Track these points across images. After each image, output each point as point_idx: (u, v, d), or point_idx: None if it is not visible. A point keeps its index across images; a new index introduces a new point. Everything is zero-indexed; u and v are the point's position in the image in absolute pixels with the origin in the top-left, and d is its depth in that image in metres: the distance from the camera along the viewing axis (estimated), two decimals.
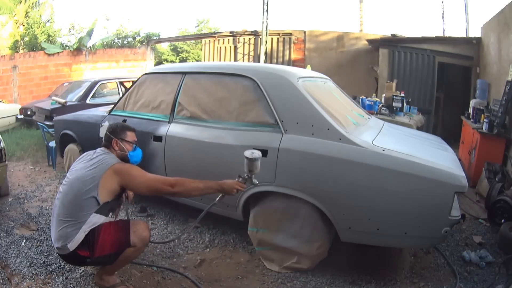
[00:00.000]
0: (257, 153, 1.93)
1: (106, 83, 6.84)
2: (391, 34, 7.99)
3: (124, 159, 2.12)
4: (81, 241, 1.88)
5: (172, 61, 18.16)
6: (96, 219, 1.90)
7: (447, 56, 7.12)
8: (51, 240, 2.68)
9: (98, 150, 2.11)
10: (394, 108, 4.84)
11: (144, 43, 11.76)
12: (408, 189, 2.04)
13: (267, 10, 8.77)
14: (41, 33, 12.77)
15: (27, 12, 12.65)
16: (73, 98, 6.44)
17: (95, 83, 6.57)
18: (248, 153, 1.92)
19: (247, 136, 2.45)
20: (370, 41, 8.07)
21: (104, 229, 1.91)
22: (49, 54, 10.24)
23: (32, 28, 12.63)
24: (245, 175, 1.98)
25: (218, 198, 2.08)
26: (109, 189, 1.93)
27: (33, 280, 2.19)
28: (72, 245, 1.88)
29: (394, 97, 4.93)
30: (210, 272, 2.40)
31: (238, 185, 1.98)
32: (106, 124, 3.21)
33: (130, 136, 2.18)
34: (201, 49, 12.06)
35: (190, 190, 1.98)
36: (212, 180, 2.01)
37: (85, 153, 2.15)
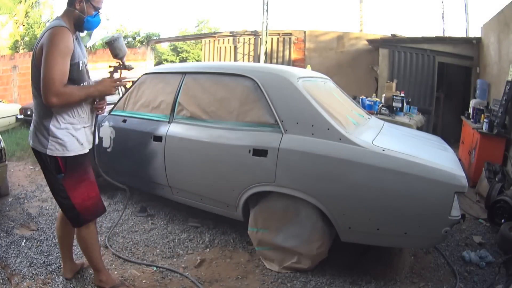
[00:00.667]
0: (116, 35, 1.88)
1: None
2: (391, 34, 8.00)
3: (79, 23, 1.86)
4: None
5: (172, 61, 18.17)
6: None
7: (447, 56, 7.12)
8: (51, 240, 2.70)
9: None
10: (394, 108, 4.85)
11: (144, 43, 11.76)
12: (408, 189, 2.04)
13: (267, 10, 8.77)
14: None
15: (27, 12, 12.66)
16: None
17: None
18: (107, 38, 1.87)
19: (247, 136, 2.45)
20: (370, 41, 8.07)
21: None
22: None
23: (32, 28, 12.64)
24: (116, 63, 1.88)
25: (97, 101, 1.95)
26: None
27: (33, 280, 2.19)
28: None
29: (394, 97, 4.94)
30: (210, 272, 2.40)
31: (112, 81, 1.91)
32: (106, 124, 3.22)
33: (97, 1, 1.88)
34: (201, 49, 12.07)
35: (71, 101, 1.77)
36: (86, 87, 1.86)
37: None
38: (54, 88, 1.67)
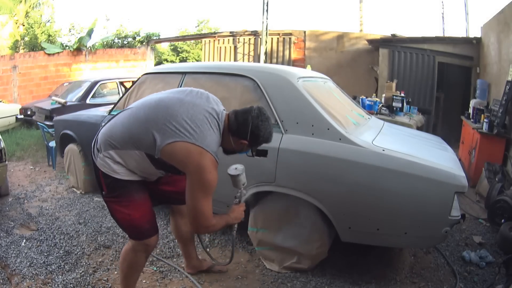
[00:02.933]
0: (240, 168, 1.82)
1: (106, 83, 6.85)
2: (391, 34, 8.00)
3: (226, 148, 1.78)
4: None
5: (172, 61, 18.16)
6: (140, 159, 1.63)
7: (447, 56, 7.12)
8: (51, 240, 2.70)
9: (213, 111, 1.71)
10: (394, 108, 4.84)
11: (144, 43, 11.76)
12: (408, 189, 2.04)
13: (267, 10, 8.77)
14: (41, 33, 12.78)
15: (27, 12, 12.66)
16: (73, 98, 6.44)
17: (95, 83, 6.57)
18: (231, 171, 1.81)
19: None
20: (370, 41, 8.08)
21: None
22: (49, 54, 10.23)
23: (32, 28, 12.64)
24: (238, 193, 1.93)
25: (235, 229, 2.02)
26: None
27: (33, 280, 2.19)
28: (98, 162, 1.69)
29: (394, 97, 4.93)
30: (210, 272, 2.40)
31: (242, 207, 1.90)
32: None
33: (258, 146, 1.80)
34: (201, 49, 12.07)
35: (216, 229, 1.80)
36: (223, 216, 1.83)
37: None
38: (205, 224, 1.66)
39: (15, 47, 12.23)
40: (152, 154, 1.59)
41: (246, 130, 1.66)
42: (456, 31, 33.80)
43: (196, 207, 1.60)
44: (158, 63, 15.55)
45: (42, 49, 10.76)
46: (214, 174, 1.58)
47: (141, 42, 11.60)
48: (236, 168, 1.82)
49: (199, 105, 1.68)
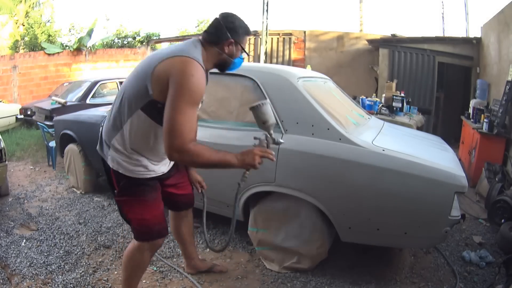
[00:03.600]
0: (263, 100, 1.60)
1: (106, 83, 6.85)
2: (391, 34, 8.00)
3: (223, 65, 1.66)
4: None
5: None
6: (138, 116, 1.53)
7: (447, 56, 7.12)
8: (51, 240, 2.70)
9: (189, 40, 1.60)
10: (394, 108, 4.84)
11: (144, 43, 11.77)
12: (408, 189, 2.04)
13: (267, 10, 8.76)
14: (41, 33, 12.78)
15: (27, 12, 12.66)
16: (73, 98, 6.44)
17: (95, 83, 6.57)
18: (253, 104, 1.56)
19: (247, 136, 2.44)
20: (370, 41, 8.07)
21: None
22: (49, 54, 10.23)
23: (32, 28, 12.64)
24: (263, 135, 1.60)
25: (244, 175, 1.66)
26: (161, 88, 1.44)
27: (33, 280, 2.19)
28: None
29: (394, 97, 4.93)
30: (210, 272, 2.40)
31: (260, 151, 1.55)
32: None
33: (245, 41, 1.66)
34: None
35: (200, 165, 1.56)
36: (227, 153, 1.53)
37: None
38: (179, 143, 1.39)
39: (15, 47, 12.23)
40: (147, 100, 1.48)
41: (222, 30, 1.57)
42: (456, 31, 33.80)
43: (173, 118, 1.37)
44: None
45: (42, 49, 10.76)
46: (198, 78, 1.43)
47: (141, 42, 11.61)
48: (257, 102, 1.56)
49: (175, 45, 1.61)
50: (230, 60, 1.64)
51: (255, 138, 1.62)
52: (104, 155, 1.70)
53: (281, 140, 1.65)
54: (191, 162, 1.57)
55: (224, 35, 1.57)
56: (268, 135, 1.59)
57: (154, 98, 1.47)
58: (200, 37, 1.63)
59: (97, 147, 1.76)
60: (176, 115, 1.38)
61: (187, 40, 1.61)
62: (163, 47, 18.64)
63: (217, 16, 1.62)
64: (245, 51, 1.67)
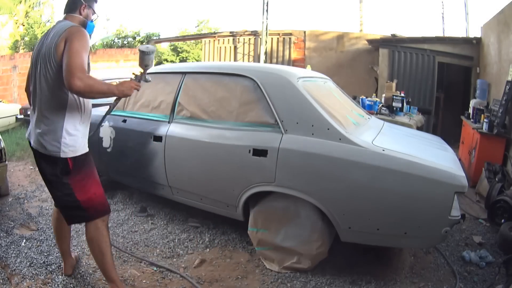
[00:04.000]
0: (151, 48, 1.97)
1: None
2: (391, 34, 7.99)
3: (81, 24, 1.96)
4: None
5: (172, 61, 18.15)
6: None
7: (447, 56, 7.12)
8: (51, 240, 2.70)
9: (58, 21, 1.96)
10: (394, 108, 4.84)
11: (144, 43, 11.76)
12: (408, 189, 2.04)
13: (267, 10, 8.77)
14: (41, 33, 12.75)
15: (27, 12, 12.67)
16: None
17: None
18: (143, 47, 1.97)
19: (247, 136, 2.45)
20: (370, 41, 8.07)
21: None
22: None
23: (32, 28, 12.65)
24: (139, 72, 2.02)
25: (115, 100, 2.11)
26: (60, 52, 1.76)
27: (33, 280, 2.19)
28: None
29: (394, 97, 4.93)
30: (210, 272, 2.40)
31: (134, 84, 1.93)
32: (106, 124, 3.22)
33: (95, 5, 2.05)
34: (201, 49, 12.06)
35: (95, 90, 1.74)
36: (111, 84, 1.88)
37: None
38: (78, 72, 1.67)
39: (15, 47, 12.24)
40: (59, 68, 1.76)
41: (77, 1, 1.95)
42: (456, 31, 33.79)
43: (71, 61, 1.68)
44: (158, 63, 15.53)
45: None
46: (87, 37, 1.83)
47: (141, 42, 11.61)
48: (147, 47, 1.97)
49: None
50: (86, 21, 1.99)
51: (133, 73, 2.02)
52: (55, 151, 1.86)
53: (149, 79, 2.06)
54: (90, 89, 1.72)
55: (77, 2, 1.96)
56: (144, 74, 2.01)
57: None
58: (64, 14, 1.99)
59: (39, 149, 1.89)
60: (74, 57, 1.72)
61: (59, 22, 1.93)
62: (162, 47, 18.69)
63: None
64: (94, 12, 2.03)
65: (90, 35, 1.97)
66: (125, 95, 1.92)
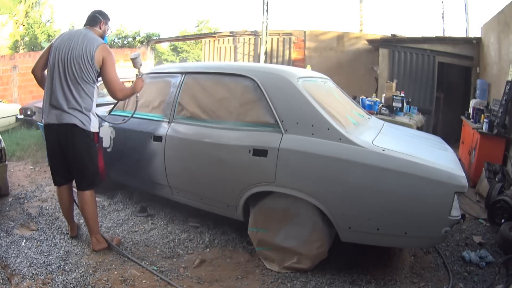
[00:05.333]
0: (136, 53, 2.70)
1: None
2: (391, 34, 7.99)
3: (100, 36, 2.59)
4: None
5: (172, 61, 18.16)
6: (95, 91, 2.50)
7: (447, 56, 7.12)
8: (51, 240, 2.70)
9: (82, 29, 2.53)
10: (394, 108, 4.85)
11: (144, 43, 11.74)
12: (408, 189, 2.04)
13: (267, 10, 8.77)
14: (41, 33, 12.78)
15: (27, 12, 12.67)
16: None
17: None
18: (131, 55, 2.69)
19: (247, 136, 2.45)
20: (370, 41, 8.07)
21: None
22: None
23: (32, 28, 12.65)
24: (137, 72, 2.73)
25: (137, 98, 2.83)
26: (99, 62, 2.43)
27: (33, 280, 2.19)
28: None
29: (394, 97, 4.94)
30: (210, 272, 2.40)
31: (141, 80, 2.71)
32: (106, 124, 3.22)
33: (109, 24, 2.69)
34: (201, 49, 12.05)
35: (127, 96, 2.68)
36: (130, 87, 2.66)
37: (66, 33, 2.53)
38: (120, 87, 2.51)
39: (15, 47, 12.24)
40: (91, 63, 2.40)
41: (95, 15, 2.60)
42: (456, 31, 33.79)
43: (114, 79, 2.47)
44: (158, 63, 15.54)
45: (42, 49, 10.66)
46: (112, 54, 2.52)
47: (141, 42, 11.58)
48: (134, 54, 2.69)
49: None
50: (103, 35, 2.62)
51: (136, 74, 2.73)
52: (84, 125, 2.44)
53: (143, 72, 2.83)
54: (125, 96, 2.65)
55: (98, 18, 2.59)
56: (140, 72, 2.75)
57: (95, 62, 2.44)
58: (87, 26, 2.58)
59: (71, 122, 2.40)
60: (114, 75, 2.51)
61: (85, 31, 2.51)
62: (163, 47, 18.70)
63: (90, 14, 2.62)
64: (109, 27, 2.70)
65: None
66: (140, 89, 2.72)
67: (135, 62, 2.68)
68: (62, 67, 2.39)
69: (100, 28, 2.58)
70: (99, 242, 2.57)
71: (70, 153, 2.45)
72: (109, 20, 2.65)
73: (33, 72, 2.67)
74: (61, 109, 2.38)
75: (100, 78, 2.49)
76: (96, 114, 2.56)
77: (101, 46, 2.42)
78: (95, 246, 2.56)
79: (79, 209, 2.63)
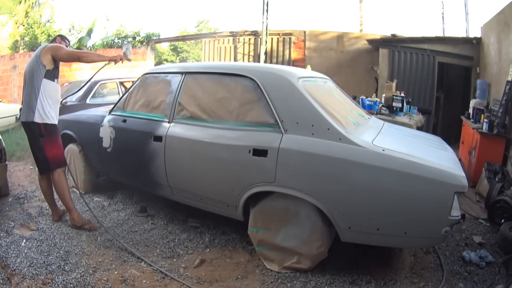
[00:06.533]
0: (127, 45, 3.09)
1: (106, 83, 6.83)
2: (391, 34, 7.98)
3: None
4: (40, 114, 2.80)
5: (172, 61, 18.15)
6: (45, 83, 2.82)
7: (447, 56, 7.11)
8: (51, 240, 2.70)
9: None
10: (394, 108, 4.84)
11: (144, 43, 11.74)
12: (408, 189, 2.04)
13: (267, 10, 8.76)
14: (41, 33, 12.76)
15: (27, 12, 12.66)
16: (73, 98, 6.43)
17: (95, 83, 6.54)
18: (123, 47, 3.05)
19: (247, 136, 2.45)
20: (370, 41, 8.06)
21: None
22: None
23: (32, 28, 12.63)
24: (127, 58, 3.03)
25: (104, 64, 3.11)
26: (48, 60, 2.81)
27: (33, 280, 2.19)
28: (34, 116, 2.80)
29: (394, 97, 4.93)
30: (210, 272, 2.40)
31: (120, 57, 2.99)
32: (106, 124, 3.22)
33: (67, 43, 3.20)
34: (201, 49, 12.05)
35: (92, 57, 2.94)
36: (100, 54, 2.98)
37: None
38: (78, 54, 2.94)
39: (15, 47, 12.23)
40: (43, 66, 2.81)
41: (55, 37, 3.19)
42: (456, 31, 33.79)
43: (66, 55, 2.88)
44: (158, 63, 15.54)
45: None
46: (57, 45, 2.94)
47: (141, 42, 11.56)
48: (125, 44, 3.09)
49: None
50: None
51: (124, 52, 3.03)
52: (30, 117, 2.79)
53: (130, 58, 3.09)
54: (87, 57, 2.93)
55: (55, 37, 3.20)
56: (128, 56, 3.05)
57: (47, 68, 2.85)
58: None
59: (23, 119, 2.83)
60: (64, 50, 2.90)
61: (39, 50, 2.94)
62: (163, 47, 18.69)
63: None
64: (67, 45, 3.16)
65: (90, 32, 3.36)
66: (112, 60, 3.00)
67: (126, 51, 3.01)
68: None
69: (57, 42, 3.08)
70: (73, 219, 2.95)
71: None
72: (66, 39, 3.21)
73: None
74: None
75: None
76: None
77: (45, 49, 2.83)
78: (70, 221, 2.97)
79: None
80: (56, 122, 2.93)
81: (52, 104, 2.89)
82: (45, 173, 2.98)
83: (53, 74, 2.90)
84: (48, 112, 2.84)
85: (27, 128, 2.86)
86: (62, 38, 3.20)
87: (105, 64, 3.10)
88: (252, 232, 2.48)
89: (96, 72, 3.41)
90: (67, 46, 3.06)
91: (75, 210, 2.97)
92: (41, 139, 2.83)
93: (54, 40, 3.15)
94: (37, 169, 3.04)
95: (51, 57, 2.82)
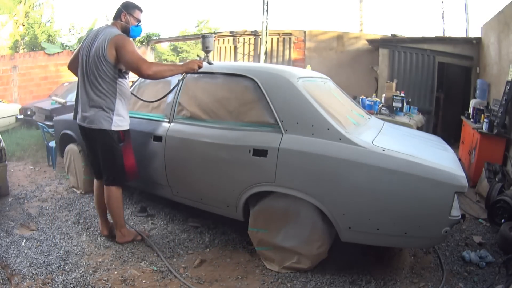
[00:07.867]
0: (209, 34, 2.65)
1: None
2: (391, 34, 7.99)
3: (126, 31, 2.51)
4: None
5: (172, 61, 18.15)
6: (120, 85, 2.47)
7: (447, 56, 7.12)
8: (51, 240, 2.70)
9: (104, 26, 2.51)
10: (394, 108, 4.85)
11: (144, 43, 11.74)
12: (408, 189, 2.04)
13: (267, 10, 8.76)
14: (41, 33, 12.77)
15: (27, 12, 12.66)
16: (73, 98, 6.42)
17: None
18: (204, 35, 2.62)
19: (247, 136, 2.45)
20: (370, 41, 8.07)
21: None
22: (49, 54, 10.22)
23: (32, 28, 12.64)
24: (203, 55, 2.63)
25: (182, 76, 2.70)
26: (114, 57, 2.37)
27: (33, 280, 2.19)
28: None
29: (394, 97, 4.94)
30: (210, 272, 2.40)
31: (198, 62, 2.56)
32: None
33: (138, 13, 2.57)
34: (201, 49, 12.04)
35: (163, 72, 2.44)
36: (177, 65, 2.62)
37: (91, 33, 2.55)
38: (142, 63, 2.32)
39: (15, 47, 12.23)
40: (109, 61, 2.37)
41: (118, 8, 2.55)
42: (456, 31, 33.79)
43: (135, 59, 2.33)
44: None
45: (42, 49, 10.74)
46: (132, 42, 2.43)
47: (141, 42, 11.57)
48: (207, 34, 2.68)
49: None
50: (128, 26, 2.53)
51: (198, 55, 2.65)
52: (109, 125, 2.47)
53: (213, 62, 2.71)
54: (159, 71, 2.42)
55: (119, 11, 2.53)
56: (206, 56, 2.65)
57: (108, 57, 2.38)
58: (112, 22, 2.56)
59: (93, 126, 2.46)
60: (134, 55, 2.37)
61: (105, 28, 2.48)
62: (163, 47, 18.69)
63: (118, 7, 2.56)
64: (136, 19, 2.56)
65: (135, 37, 2.58)
66: (190, 70, 2.55)
67: (204, 41, 2.56)
68: (84, 69, 2.46)
69: (122, 20, 2.51)
70: (123, 235, 2.69)
71: (96, 151, 2.59)
72: (132, 9, 2.53)
73: (69, 69, 2.79)
74: (84, 110, 2.49)
75: (128, 75, 2.56)
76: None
77: (112, 39, 2.33)
78: (119, 239, 2.69)
79: (106, 203, 2.66)
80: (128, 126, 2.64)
81: (126, 106, 2.60)
82: (100, 178, 2.67)
83: (124, 70, 2.51)
84: (125, 116, 2.56)
85: (99, 135, 2.48)
86: (127, 8, 2.52)
87: (183, 77, 2.71)
88: (252, 232, 2.48)
89: (170, 91, 2.81)
90: (137, 25, 2.55)
91: (125, 226, 2.74)
92: (121, 145, 2.54)
93: (118, 16, 2.52)
94: (90, 176, 2.82)
95: (115, 53, 2.36)
